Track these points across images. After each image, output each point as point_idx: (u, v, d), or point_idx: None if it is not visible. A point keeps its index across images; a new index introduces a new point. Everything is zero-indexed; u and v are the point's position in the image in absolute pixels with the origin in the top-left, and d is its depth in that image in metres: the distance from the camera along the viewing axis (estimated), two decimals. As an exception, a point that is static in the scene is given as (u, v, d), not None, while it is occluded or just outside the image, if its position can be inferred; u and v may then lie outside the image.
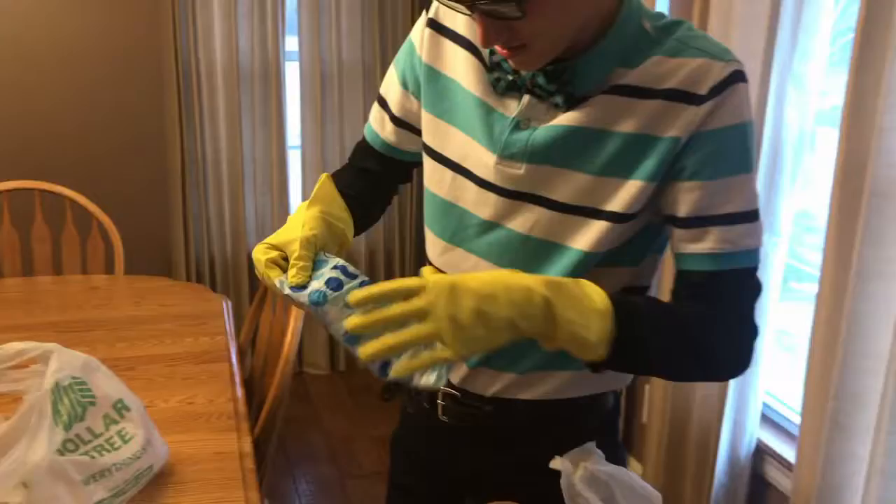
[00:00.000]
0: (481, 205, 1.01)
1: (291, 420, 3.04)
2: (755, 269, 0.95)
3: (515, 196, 0.98)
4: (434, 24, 1.05)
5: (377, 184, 1.17)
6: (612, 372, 0.90)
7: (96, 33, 2.98)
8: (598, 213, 0.95)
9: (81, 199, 2.43)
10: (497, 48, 0.91)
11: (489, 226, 1.01)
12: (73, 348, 1.20)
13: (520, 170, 0.97)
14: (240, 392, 1.62)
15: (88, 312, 2.01)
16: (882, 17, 1.52)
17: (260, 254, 0.97)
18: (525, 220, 0.99)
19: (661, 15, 0.97)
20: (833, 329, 1.67)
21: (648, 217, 0.96)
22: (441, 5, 1.02)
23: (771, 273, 1.92)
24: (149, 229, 3.16)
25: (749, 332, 0.95)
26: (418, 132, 1.10)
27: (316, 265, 0.94)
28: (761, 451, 2.05)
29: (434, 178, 1.07)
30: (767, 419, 2.10)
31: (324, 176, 1.07)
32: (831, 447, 1.70)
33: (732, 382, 2.03)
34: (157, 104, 3.06)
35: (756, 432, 2.06)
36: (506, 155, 0.98)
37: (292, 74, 3.19)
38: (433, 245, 1.10)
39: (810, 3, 1.77)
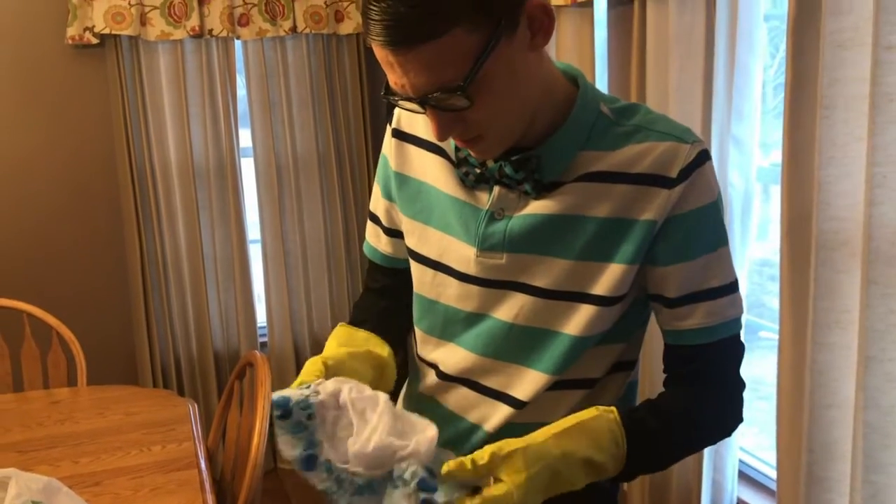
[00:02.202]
0: (464, 298, 1.04)
1: (269, 519, 2.96)
2: (739, 333, 1.01)
3: (498, 285, 1.00)
4: (398, 134, 1.10)
5: (398, 297, 1.17)
6: None
7: (47, 143, 2.99)
8: (583, 297, 0.97)
9: (38, 312, 2.40)
10: (455, 140, 0.94)
11: (475, 318, 1.03)
12: (35, 468, 1.17)
13: (501, 259, 0.99)
14: (210, 499, 1.58)
15: (50, 429, 1.96)
16: (808, 76, 1.59)
17: None
18: (510, 309, 1.00)
19: (616, 98, 1.01)
20: (797, 381, 1.69)
21: (634, 296, 1.00)
22: (402, 114, 1.07)
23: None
24: (112, 335, 3.11)
25: (738, 392, 1.03)
26: None
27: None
28: (743, 511, 2.05)
29: (417, 278, 1.10)
30: (745, 476, 2.09)
31: (338, 327, 1.12)
32: (810, 500, 1.70)
33: (708, 442, 2.03)
34: (113, 208, 3.06)
35: (735, 491, 2.05)
36: (485, 247, 1.00)
37: (247, 169, 3.21)
38: (424, 343, 1.12)
39: (740, 66, 1.85)
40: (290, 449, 0.88)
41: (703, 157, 0.95)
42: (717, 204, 0.97)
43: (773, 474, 1.94)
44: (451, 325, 1.06)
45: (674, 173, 0.93)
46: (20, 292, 2.56)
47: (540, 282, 0.98)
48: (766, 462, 2.08)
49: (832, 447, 1.65)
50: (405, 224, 1.10)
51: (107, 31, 2.83)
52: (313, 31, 3.10)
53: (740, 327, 1.00)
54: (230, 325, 3.25)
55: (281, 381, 3.29)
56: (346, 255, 3.32)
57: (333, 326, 3.47)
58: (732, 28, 1.83)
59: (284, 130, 3.19)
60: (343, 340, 1.09)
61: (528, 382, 1.02)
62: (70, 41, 2.86)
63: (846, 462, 1.63)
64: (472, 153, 0.96)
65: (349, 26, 3.13)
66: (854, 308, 1.57)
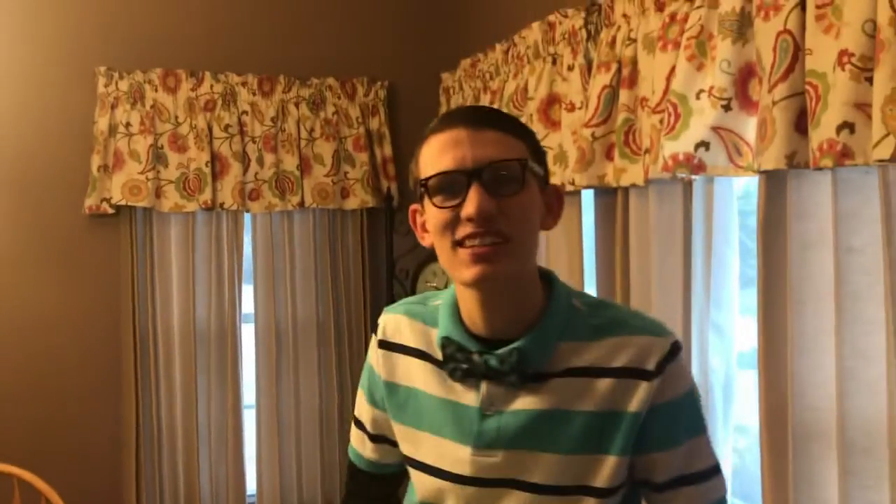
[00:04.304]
0: (463, 500, 1.06)
1: None
2: None
3: (495, 483, 1.03)
4: (384, 344, 1.16)
5: (385, 502, 1.22)
6: None
7: (57, 303, 3.08)
8: (585, 490, 1.01)
9: (28, 476, 2.40)
10: (474, 249, 0.98)
11: None
12: None
13: (497, 457, 1.03)
14: None
15: None
16: (779, 272, 1.69)
17: None
18: None
19: (586, 294, 1.12)
20: (783, 573, 1.68)
21: (629, 484, 1.04)
22: (386, 325, 1.15)
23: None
24: (101, 496, 3.08)
25: None
26: (395, 444, 1.17)
27: None
28: None
29: (418, 484, 1.13)
30: None
31: None
32: None
33: None
34: (113, 369, 3.11)
35: None
36: (480, 445, 1.04)
37: (247, 333, 3.29)
38: None
39: (717, 257, 1.95)
40: None
41: (677, 348, 1.02)
42: (693, 392, 1.03)
43: None
44: None
45: (651, 366, 0.99)
46: (13, 453, 2.57)
47: (537, 478, 1.01)
48: None
49: None
50: (398, 431, 1.14)
51: (123, 202, 3.00)
52: (320, 206, 3.26)
53: None
54: (219, 490, 3.22)
55: (267, 553, 3.22)
56: (339, 424, 3.33)
57: (323, 495, 3.39)
58: (708, 221, 1.95)
59: (286, 296, 3.29)
60: None
61: None
62: (87, 210, 3.02)
63: None
64: (477, 269, 0.98)
65: (354, 202, 3.30)
66: (833, 499, 1.59)
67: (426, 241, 1.08)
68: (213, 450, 3.22)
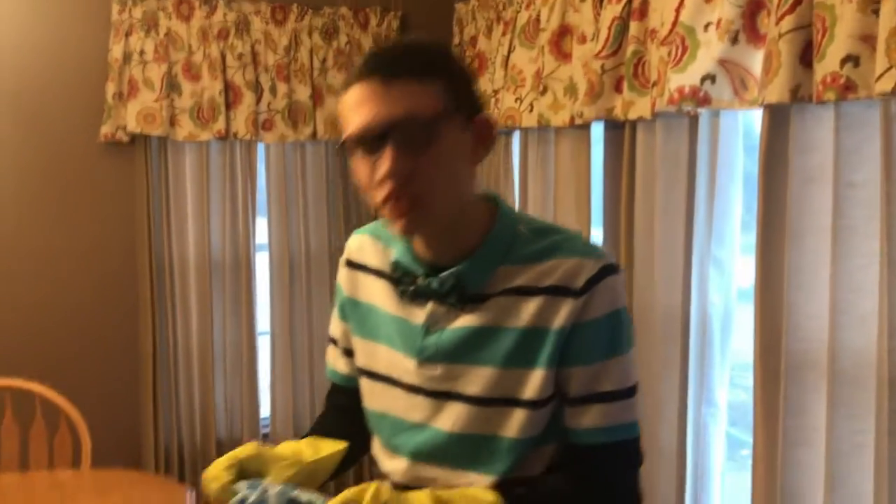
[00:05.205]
0: (411, 409, 1.13)
1: None
2: (635, 439, 1.08)
3: (437, 395, 1.10)
4: (350, 264, 1.24)
5: (353, 418, 1.26)
6: None
7: (72, 232, 3.14)
8: (515, 402, 1.07)
9: (50, 394, 2.49)
10: (391, 206, 1.02)
11: (419, 428, 1.13)
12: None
13: (437, 370, 1.10)
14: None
15: (51, 510, 2.03)
16: (779, 206, 1.70)
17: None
18: (448, 418, 1.10)
19: (534, 219, 1.14)
20: (770, 499, 1.74)
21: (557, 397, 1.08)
22: (352, 247, 1.22)
23: (713, 444, 2.00)
24: (118, 418, 3.19)
25: (627, 498, 1.09)
26: None
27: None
28: None
29: (367, 393, 1.20)
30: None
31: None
32: None
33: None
34: (130, 297, 3.18)
35: None
36: (423, 358, 1.11)
37: (261, 263, 3.35)
38: (379, 455, 1.21)
39: (721, 192, 1.96)
40: None
41: (608, 270, 1.05)
42: (619, 315, 1.06)
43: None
44: (397, 437, 1.16)
45: (579, 285, 1.04)
46: (37, 370, 2.66)
47: (472, 390, 1.08)
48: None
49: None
50: (356, 344, 1.22)
51: (138, 130, 3.03)
52: (332, 138, 3.28)
53: (637, 433, 1.08)
54: (234, 414, 3.32)
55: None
56: (352, 350, 3.40)
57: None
58: (713, 156, 1.96)
59: (299, 226, 3.33)
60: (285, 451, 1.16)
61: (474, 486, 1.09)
62: (103, 138, 3.06)
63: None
64: (399, 226, 1.04)
65: (366, 133, 3.31)
66: (821, 427, 1.63)
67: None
68: (229, 375, 3.31)
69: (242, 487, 1.03)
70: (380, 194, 1.03)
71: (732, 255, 1.98)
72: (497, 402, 1.07)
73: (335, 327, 1.29)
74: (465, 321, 1.09)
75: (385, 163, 1.01)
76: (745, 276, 2.00)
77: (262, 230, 3.35)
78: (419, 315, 1.12)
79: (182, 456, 3.26)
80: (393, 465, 1.18)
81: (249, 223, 3.25)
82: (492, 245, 1.09)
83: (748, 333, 1.76)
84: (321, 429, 1.27)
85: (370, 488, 0.96)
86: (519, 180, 2.72)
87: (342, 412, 1.29)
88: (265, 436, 3.39)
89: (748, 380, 1.79)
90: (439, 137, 1.01)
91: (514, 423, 1.07)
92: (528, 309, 1.06)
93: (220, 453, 3.24)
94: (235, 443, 3.30)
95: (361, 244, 1.22)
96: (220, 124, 3.10)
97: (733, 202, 1.96)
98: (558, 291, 1.05)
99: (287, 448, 1.16)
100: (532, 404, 1.06)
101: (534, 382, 1.06)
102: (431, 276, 1.09)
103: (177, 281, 3.20)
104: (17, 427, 2.49)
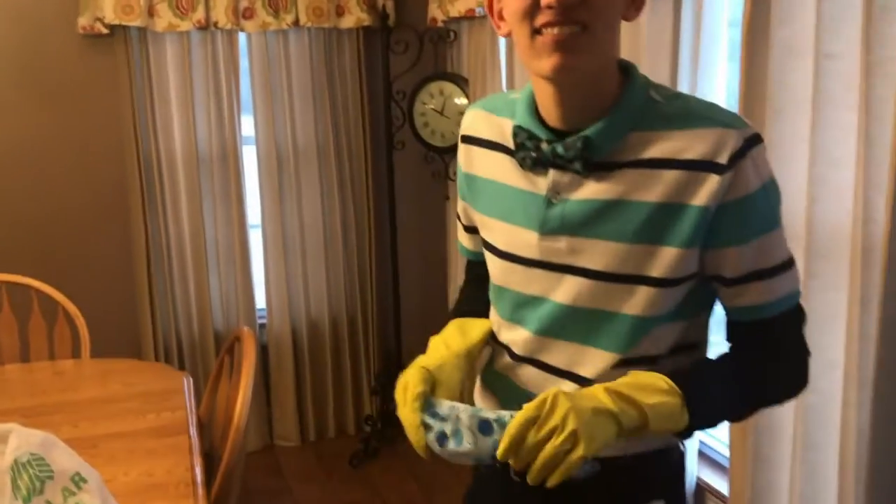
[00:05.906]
0: (529, 282, 1.11)
1: (263, 493, 3.10)
2: (797, 305, 1.08)
3: (559, 269, 1.08)
4: (465, 139, 1.21)
5: (487, 284, 1.26)
6: None
7: (56, 129, 3.12)
8: (641, 280, 1.03)
9: (47, 289, 2.54)
10: (550, 39, 0.97)
11: (538, 302, 1.11)
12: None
13: (560, 243, 1.07)
14: (197, 461, 1.71)
15: (54, 396, 2.10)
16: (760, 79, 1.69)
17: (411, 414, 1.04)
18: (568, 292, 1.07)
19: (666, 87, 1.09)
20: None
21: (697, 278, 1.05)
22: (465, 122, 1.20)
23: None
24: (116, 312, 3.25)
25: (801, 359, 1.10)
26: None
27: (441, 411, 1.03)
28: (702, 489, 2.16)
29: (490, 267, 1.19)
30: (705, 456, 2.21)
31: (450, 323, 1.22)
32: (757, 478, 1.81)
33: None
34: (120, 192, 3.19)
35: (696, 471, 2.17)
36: (546, 231, 1.07)
37: (249, 157, 3.34)
38: (498, 326, 1.20)
39: (704, 67, 1.94)
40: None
41: (753, 142, 0.99)
42: (769, 188, 1.01)
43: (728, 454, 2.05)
44: (518, 309, 1.14)
45: (724, 159, 0.97)
46: (31, 270, 2.70)
47: (596, 264, 1.04)
48: (721, 441, 2.19)
49: (775, 429, 1.76)
50: (477, 219, 1.21)
51: (116, 21, 2.96)
52: (315, 25, 3.22)
53: (797, 298, 1.08)
54: (230, 307, 3.39)
55: (278, 360, 3.44)
56: (343, 242, 3.44)
57: (329, 311, 3.54)
58: (697, 32, 1.93)
59: (286, 120, 3.31)
60: (450, 339, 1.17)
61: (593, 361, 1.08)
62: (81, 31, 3.00)
63: (787, 443, 1.74)
64: (554, 60, 0.98)
65: (350, 21, 3.25)
66: (797, 298, 1.67)
67: (502, 29, 1.07)
68: (222, 268, 3.36)
69: (426, 419, 1.02)
70: (541, 19, 0.97)
71: (717, 86, 1.97)
72: (621, 278, 1.04)
73: (459, 205, 1.28)
74: (592, 192, 1.04)
75: None
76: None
77: (248, 124, 3.33)
78: (541, 184, 1.07)
79: (181, 348, 3.35)
80: (512, 336, 1.16)
81: (235, 116, 3.23)
82: (625, 107, 1.02)
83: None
84: (465, 299, 1.31)
85: (548, 400, 0.95)
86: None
87: (479, 281, 1.27)
88: (262, 326, 3.47)
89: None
90: None
91: (638, 301, 1.03)
92: (664, 182, 1.00)
93: (217, 345, 3.36)
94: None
95: (474, 118, 1.19)
96: (199, 13, 3.03)
97: (716, 77, 1.95)
98: (699, 166, 0.98)
99: (440, 345, 1.15)
100: (660, 282, 1.02)
101: (664, 260, 1.01)
102: (554, 141, 1.04)
103: (165, 175, 3.20)
104: (16, 321, 2.54)
